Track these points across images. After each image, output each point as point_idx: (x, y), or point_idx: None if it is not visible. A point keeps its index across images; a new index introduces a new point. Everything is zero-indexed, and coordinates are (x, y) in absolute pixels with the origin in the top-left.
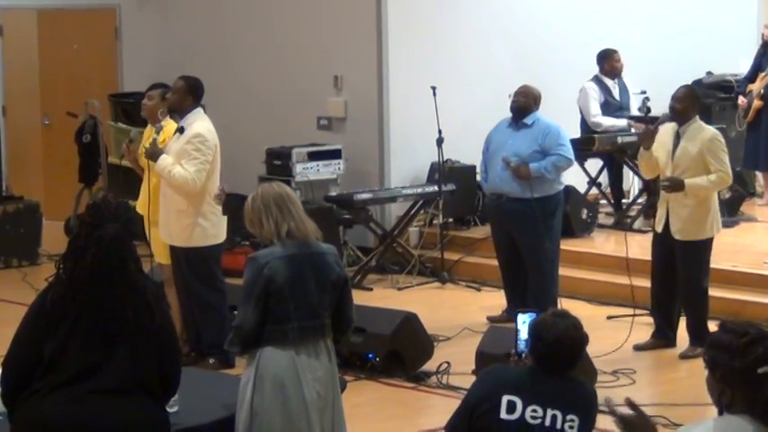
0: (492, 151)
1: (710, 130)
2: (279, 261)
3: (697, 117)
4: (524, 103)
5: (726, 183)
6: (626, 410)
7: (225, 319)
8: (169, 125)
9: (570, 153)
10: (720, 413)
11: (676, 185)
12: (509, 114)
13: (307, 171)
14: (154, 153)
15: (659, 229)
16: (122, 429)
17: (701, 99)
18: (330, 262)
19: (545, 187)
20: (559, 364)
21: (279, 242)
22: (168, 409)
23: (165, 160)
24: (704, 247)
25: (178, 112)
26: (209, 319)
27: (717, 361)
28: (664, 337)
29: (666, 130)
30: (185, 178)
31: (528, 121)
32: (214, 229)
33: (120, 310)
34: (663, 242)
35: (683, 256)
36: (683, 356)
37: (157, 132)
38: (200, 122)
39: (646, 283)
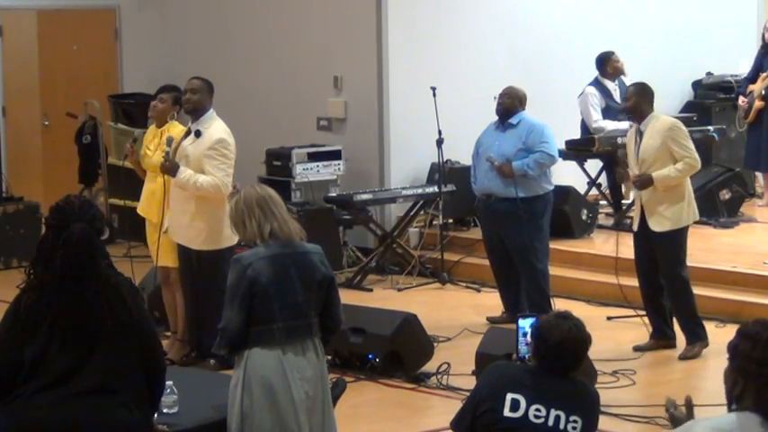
0: (481, 154)
1: (668, 120)
2: (262, 261)
3: (654, 111)
4: (509, 105)
5: (694, 168)
6: (679, 412)
7: None
8: (173, 127)
9: (553, 150)
10: (730, 406)
11: (645, 182)
12: (496, 117)
13: (307, 172)
14: (172, 168)
15: (636, 227)
16: (107, 430)
17: (652, 92)
18: (315, 261)
19: (533, 187)
20: (563, 365)
21: (262, 243)
22: (168, 410)
23: (184, 172)
24: (680, 236)
25: (200, 112)
26: (213, 319)
27: (739, 348)
28: (663, 336)
29: (630, 133)
30: (216, 186)
31: (513, 121)
32: (228, 230)
33: (96, 309)
34: (642, 239)
35: (660, 249)
36: (683, 357)
37: (168, 145)
38: (217, 125)
39: None
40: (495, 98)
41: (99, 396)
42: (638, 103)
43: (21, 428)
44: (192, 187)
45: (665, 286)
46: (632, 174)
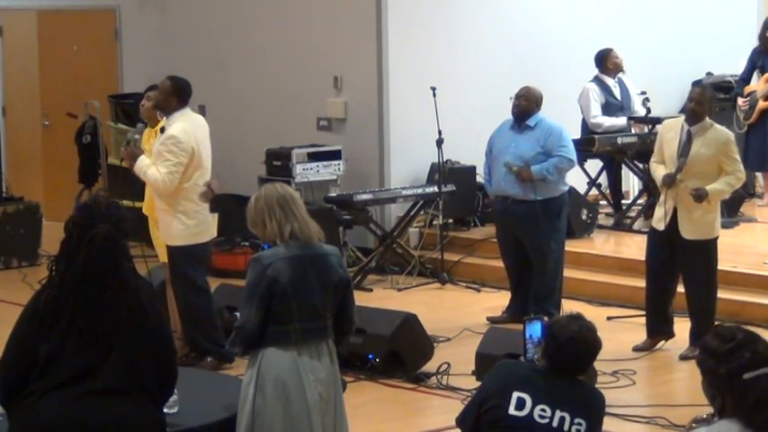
0: (495, 154)
1: (724, 133)
2: (282, 262)
3: (707, 117)
4: (526, 107)
5: (742, 181)
6: None
7: (212, 317)
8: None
9: (572, 154)
10: (713, 417)
11: (701, 197)
12: (510, 115)
13: (307, 172)
14: (133, 154)
15: (661, 227)
16: (119, 430)
17: (713, 97)
18: (333, 263)
19: (549, 189)
20: (571, 365)
21: (282, 243)
22: (168, 410)
23: (142, 161)
24: (714, 246)
25: (163, 111)
26: (193, 319)
27: (705, 366)
28: (659, 333)
29: (673, 126)
30: (156, 179)
31: (531, 122)
32: (197, 227)
33: (114, 310)
34: (665, 240)
35: (693, 257)
36: (683, 357)
37: (140, 134)
38: (178, 124)
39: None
40: (510, 99)
41: (111, 397)
42: (705, 109)
43: (32, 427)
44: (143, 177)
45: (688, 290)
46: (663, 168)
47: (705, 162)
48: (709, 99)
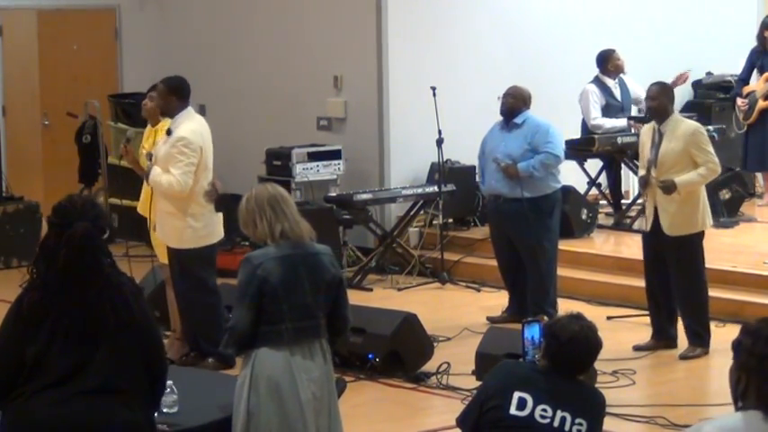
0: (487, 154)
1: (691, 125)
2: (272, 262)
3: (675, 112)
4: (513, 104)
5: (715, 173)
6: None
7: (220, 319)
8: (167, 124)
9: (558, 150)
10: (736, 404)
11: (668, 188)
12: (499, 117)
13: (307, 171)
14: (146, 174)
15: (648, 227)
16: (110, 430)
17: (674, 93)
18: (324, 262)
19: (540, 186)
20: (572, 364)
21: (273, 243)
22: (168, 410)
23: (155, 172)
24: (696, 240)
25: (166, 114)
26: (199, 320)
27: (742, 344)
28: (664, 337)
29: (646, 130)
30: (171, 183)
31: (518, 120)
32: (206, 229)
33: (98, 309)
34: (654, 240)
35: (676, 253)
36: (683, 357)
37: (149, 159)
38: (185, 124)
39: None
40: (498, 98)
41: (101, 396)
42: (665, 103)
43: (21, 428)
44: (158, 187)
45: (676, 288)
46: (642, 171)
47: (676, 156)
48: (667, 93)
